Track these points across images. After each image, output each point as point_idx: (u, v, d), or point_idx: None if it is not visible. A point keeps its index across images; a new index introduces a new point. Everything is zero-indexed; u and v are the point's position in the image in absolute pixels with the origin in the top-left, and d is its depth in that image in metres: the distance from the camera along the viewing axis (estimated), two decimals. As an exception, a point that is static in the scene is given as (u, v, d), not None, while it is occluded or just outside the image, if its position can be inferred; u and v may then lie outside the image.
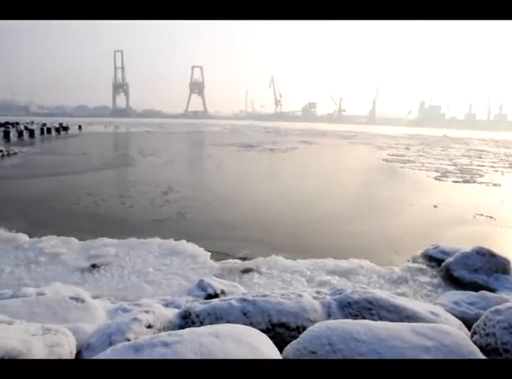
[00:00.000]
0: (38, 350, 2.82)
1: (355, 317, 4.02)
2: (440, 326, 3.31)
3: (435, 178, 20.06)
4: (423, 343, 3.02)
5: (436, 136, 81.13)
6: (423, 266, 7.40)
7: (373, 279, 6.87)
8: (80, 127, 67.57)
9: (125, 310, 4.65)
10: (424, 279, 6.89)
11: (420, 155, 33.54)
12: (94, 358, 2.65)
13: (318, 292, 4.64)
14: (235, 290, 5.61)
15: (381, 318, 3.91)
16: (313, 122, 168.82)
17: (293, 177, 20.78)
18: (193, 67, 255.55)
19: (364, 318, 3.87)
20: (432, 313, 4.13)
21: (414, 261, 7.73)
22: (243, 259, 7.71)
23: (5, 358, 2.55)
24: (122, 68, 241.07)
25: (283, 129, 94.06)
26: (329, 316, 4.08)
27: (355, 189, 17.22)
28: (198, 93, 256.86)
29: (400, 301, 4.28)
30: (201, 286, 5.65)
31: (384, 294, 4.43)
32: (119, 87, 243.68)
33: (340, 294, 4.42)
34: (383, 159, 29.17)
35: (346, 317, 4.04)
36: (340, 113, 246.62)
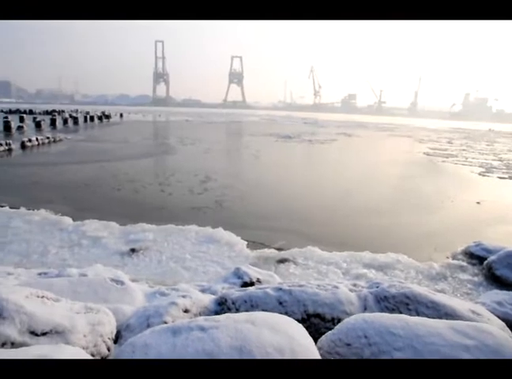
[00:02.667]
0: (81, 327, 2.95)
1: (391, 311, 3.96)
2: (482, 325, 3.20)
3: (479, 174, 19.35)
4: (462, 341, 2.93)
5: (481, 130, 78.25)
6: (464, 263, 7.19)
7: (411, 274, 6.74)
8: (121, 115, 69.43)
9: (162, 294, 4.79)
10: (465, 276, 6.70)
11: (464, 150, 32.41)
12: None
13: (354, 285, 4.60)
14: (270, 280, 5.64)
15: (418, 314, 3.84)
16: (352, 114, 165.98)
17: (331, 169, 20.58)
18: (232, 57, 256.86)
19: (401, 313, 3.81)
20: (473, 311, 4.01)
21: (454, 258, 7.52)
22: (279, 249, 7.74)
23: (53, 332, 2.69)
24: (163, 58, 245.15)
25: (321, 120, 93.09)
26: (365, 309, 4.04)
27: (394, 183, 16.87)
28: (237, 83, 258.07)
29: (439, 297, 4.17)
30: (238, 274, 5.71)
31: (422, 289, 4.34)
32: (160, 76, 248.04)
33: (377, 287, 4.36)
34: (424, 153, 28.40)
35: (382, 310, 3.98)
36: (380, 105, 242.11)
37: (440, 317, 3.73)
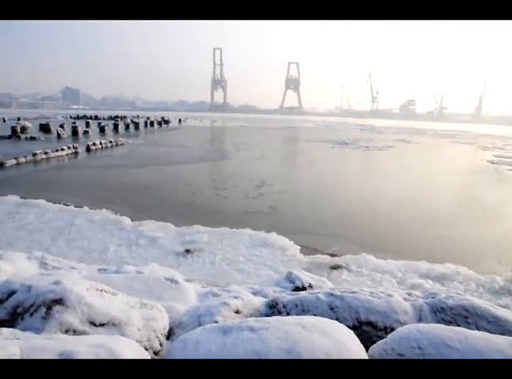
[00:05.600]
0: (136, 321, 3.07)
1: (448, 323, 3.78)
2: (550, 344, 2.98)
3: (550, 184, 18.11)
4: (527, 360, 2.74)
5: (554, 138, 73.21)
6: (531, 278, 6.75)
7: (471, 286, 6.41)
8: (180, 121, 71.67)
9: (215, 295, 4.85)
10: (532, 292, 6.28)
11: (533, 158, 30.43)
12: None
13: (409, 294, 4.44)
14: (322, 285, 5.57)
15: (478, 328, 3.63)
16: (411, 120, 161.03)
17: (388, 176, 20.04)
18: (289, 63, 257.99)
19: (459, 326, 3.63)
20: (540, 329, 3.75)
21: (520, 272, 7.08)
22: (333, 255, 7.64)
23: (110, 324, 2.82)
24: (221, 64, 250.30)
25: (379, 126, 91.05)
26: (419, 319, 3.89)
27: (455, 192, 16.14)
28: (294, 89, 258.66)
29: (502, 312, 3.93)
30: (290, 278, 5.69)
31: (483, 302, 4.11)
32: (218, 83, 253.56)
33: (434, 297, 4.18)
34: (488, 161, 26.95)
35: (438, 322, 3.81)
36: (441, 111, 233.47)
37: (503, 334, 3.51)
